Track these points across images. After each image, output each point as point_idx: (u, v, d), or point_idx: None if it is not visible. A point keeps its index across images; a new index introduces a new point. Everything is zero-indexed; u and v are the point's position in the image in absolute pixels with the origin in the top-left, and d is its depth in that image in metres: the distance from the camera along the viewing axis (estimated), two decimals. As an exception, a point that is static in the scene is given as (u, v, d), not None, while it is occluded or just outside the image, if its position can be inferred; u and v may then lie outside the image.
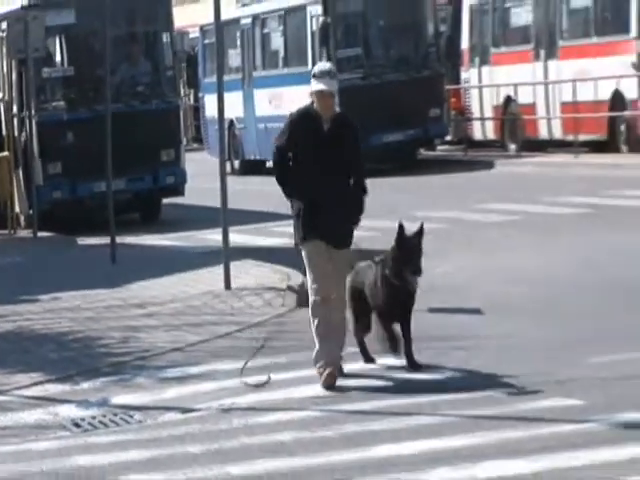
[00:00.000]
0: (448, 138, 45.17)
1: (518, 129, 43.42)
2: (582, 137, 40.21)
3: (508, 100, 43.84)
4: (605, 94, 39.43)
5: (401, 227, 13.59)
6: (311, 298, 13.69)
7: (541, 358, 14.01)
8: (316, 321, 13.53)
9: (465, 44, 45.46)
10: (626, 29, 38.66)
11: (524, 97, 42.82)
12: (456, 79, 45.08)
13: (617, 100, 39.05)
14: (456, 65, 45.35)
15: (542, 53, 42.43)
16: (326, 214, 13.23)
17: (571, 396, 12.37)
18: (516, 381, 12.97)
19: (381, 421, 11.98)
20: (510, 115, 43.54)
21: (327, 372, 13.21)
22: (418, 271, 13.53)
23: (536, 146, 41.96)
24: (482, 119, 45.29)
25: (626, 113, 38.86)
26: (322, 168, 13.27)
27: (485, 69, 44.92)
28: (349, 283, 14.01)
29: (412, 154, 41.60)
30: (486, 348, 14.95)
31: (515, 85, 43.06)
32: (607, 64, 38.87)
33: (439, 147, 44.55)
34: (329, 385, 13.24)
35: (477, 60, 45.23)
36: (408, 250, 13.56)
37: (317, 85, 13.12)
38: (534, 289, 18.44)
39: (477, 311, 17.37)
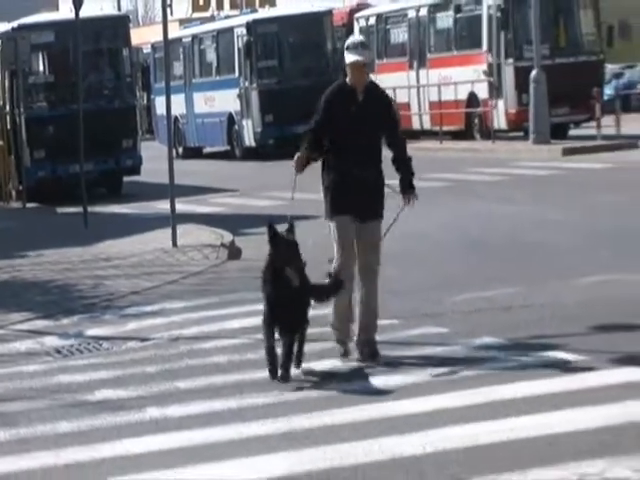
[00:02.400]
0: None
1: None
2: (445, 128, 40.42)
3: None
4: (463, 95, 39.89)
5: (271, 226, 10.70)
6: (340, 274, 10.97)
7: (415, 296, 14.04)
8: (340, 299, 10.99)
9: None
10: (479, 45, 38.92)
11: (401, 97, 42.83)
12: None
13: (472, 99, 39.51)
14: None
15: (415, 63, 42.63)
16: (359, 188, 10.97)
17: (439, 325, 12.42)
18: (395, 314, 12.97)
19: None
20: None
21: (342, 351, 11.03)
22: (300, 267, 10.50)
23: (411, 135, 42.01)
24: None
25: (479, 109, 39.30)
26: (358, 140, 10.95)
27: (371, 76, 44.73)
28: None
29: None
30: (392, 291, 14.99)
31: (394, 88, 42.97)
32: (464, 72, 39.28)
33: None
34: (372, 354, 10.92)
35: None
36: (284, 248, 10.57)
37: (351, 56, 11.05)
38: (412, 244, 18.42)
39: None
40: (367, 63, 11.22)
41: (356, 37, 11.59)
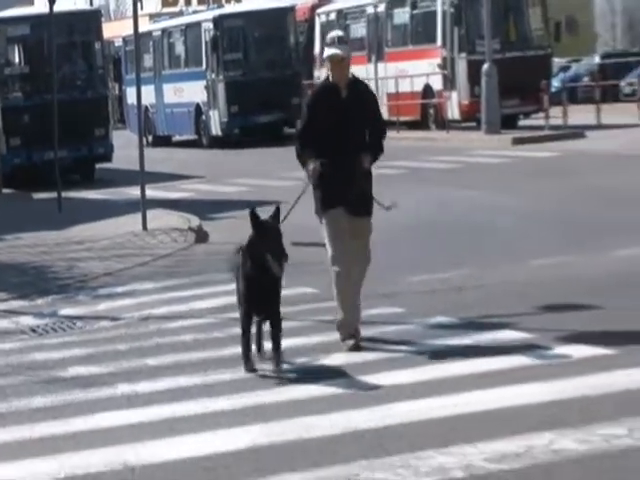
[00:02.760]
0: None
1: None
2: (402, 118, 40.41)
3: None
4: (418, 87, 39.99)
5: (253, 212, 9.68)
6: (333, 270, 10.60)
7: (373, 278, 14.01)
8: (339, 293, 10.48)
9: (317, 50, 45.51)
10: (434, 40, 39.03)
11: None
12: (311, 76, 45.03)
13: (427, 91, 39.59)
14: (310, 65, 45.27)
15: (373, 57, 42.65)
16: (348, 182, 10.33)
17: (395, 305, 12.42)
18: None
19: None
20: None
21: (353, 343, 10.32)
22: (283, 256, 9.55)
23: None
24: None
25: (434, 100, 39.32)
26: (344, 136, 10.29)
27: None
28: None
29: (279, 130, 41.61)
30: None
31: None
32: (420, 65, 39.45)
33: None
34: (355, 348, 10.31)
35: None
36: (267, 234, 9.55)
37: (329, 50, 10.33)
38: (374, 228, 18.44)
39: (324, 245, 17.34)
40: (346, 57, 10.46)
41: (335, 32, 11.03)
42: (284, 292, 13.83)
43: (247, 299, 9.78)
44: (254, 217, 9.64)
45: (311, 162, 10.40)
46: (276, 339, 9.80)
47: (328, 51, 10.33)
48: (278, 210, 9.85)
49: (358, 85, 10.75)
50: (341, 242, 10.46)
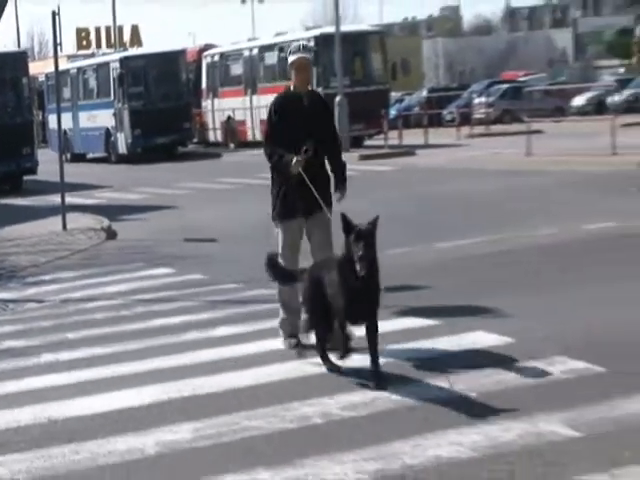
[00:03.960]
0: (195, 140, 45.15)
1: (235, 135, 43.56)
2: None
3: (229, 118, 43.95)
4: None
5: (344, 217, 8.01)
6: None
7: (249, 267, 13.99)
8: (281, 293, 9.24)
9: (204, 86, 45.57)
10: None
11: (239, 116, 43.07)
12: (199, 106, 45.09)
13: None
14: (198, 97, 45.30)
15: (249, 91, 42.53)
16: (308, 189, 8.87)
17: (269, 289, 12.39)
18: (237, 279, 12.96)
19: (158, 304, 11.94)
20: (230, 127, 43.81)
21: (295, 342, 9.03)
22: (364, 257, 7.70)
23: (246, 144, 42.12)
24: (214, 129, 45.33)
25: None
26: (307, 142, 8.85)
27: (216, 100, 44.96)
28: (306, 283, 8.50)
29: (174, 149, 41.71)
30: (218, 261, 14.96)
31: (233, 110, 43.28)
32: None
33: (190, 146, 44.38)
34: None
35: (211, 95, 45.30)
36: (356, 239, 7.79)
37: (295, 56, 9.00)
38: (247, 228, 18.42)
39: (213, 240, 17.31)
40: (309, 63, 9.17)
41: (299, 42, 9.51)
42: (179, 277, 13.87)
43: (346, 309, 7.88)
44: (345, 222, 7.93)
45: (290, 155, 8.84)
46: (374, 343, 7.92)
47: (294, 56, 9.05)
48: (376, 220, 8.05)
49: (318, 96, 9.67)
50: (291, 251, 9.15)
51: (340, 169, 9.33)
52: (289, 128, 8.88)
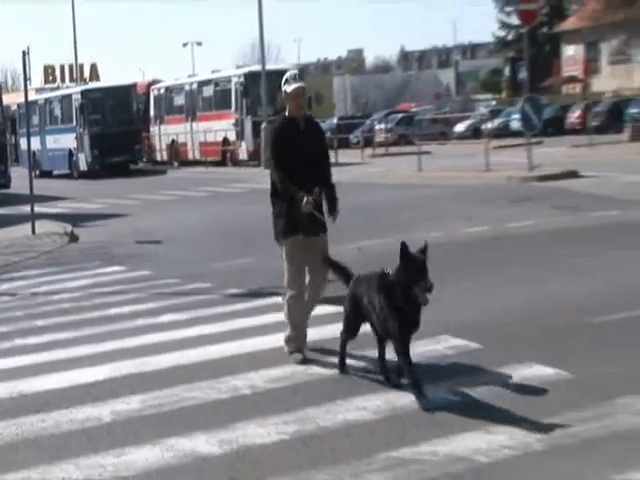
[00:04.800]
0: (144, 159, 44.73)
1: (178, 155, 43.41)
2: (209, 159, 40.22)
3: (173, 141, 43.82)
4: (220, 138, 39.89)
5: (404, 245, 6.68)
6: (288, 292, 8.08)
7: (189, 264, 13.92)
8: (291, 313, 8.03)
9: (152, 114, 45.32)
10: (229, 107, 39.10)
11: (181, 140, 43.02)
12: (148, 130, 44.83)
13: (226, 141, 39.51)
14: (147, 123, 45.07)
15: (190, 118, 42.43)
16: (312, 213, 7.80)
17: (204, 282, 12.31)
18: (177, 275, 12.87)
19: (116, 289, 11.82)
20: (174, 148, 43.67)
21: (301, 357, 7.92)
22: (430, 287, 6.66)
23: (187, 163, 41.95)
24: (160, 150, 45.12)
25: (230, 147, 39.23)
26: (304, 164, 7.84)
27: (162, 126, 44.79)
28: (350, 290, 7.41)
29: (127, 167, 41.46)
30: (162, 260, 14.85)
31: (176, 134, 43.19)
32: (220, 124, 39.47)
33: (140, 164, 44.01)
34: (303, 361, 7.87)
35: (158, 122, 45.09)
36: (416, 268, 6.65)
37: (292, 85, 7.92)
38: (182, 233, 18.34)
39: (159, 242, 17.19)
40: (304, 91, 8.06)
41: (292, 71, 8.56)
42: (130, 273, 13.74)
43: (402, 332, 6.72)
44: (404, 249, 6.67)
45: (302, 194, 7.75)
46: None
47: (291, 85, 7.94)
48: (426, 246, 6.81)
49: (312, 120, 8.42)
50: (297, 267, 7.95)
51: (330, 190, 8.03)
52: (289, 151, 7.87)
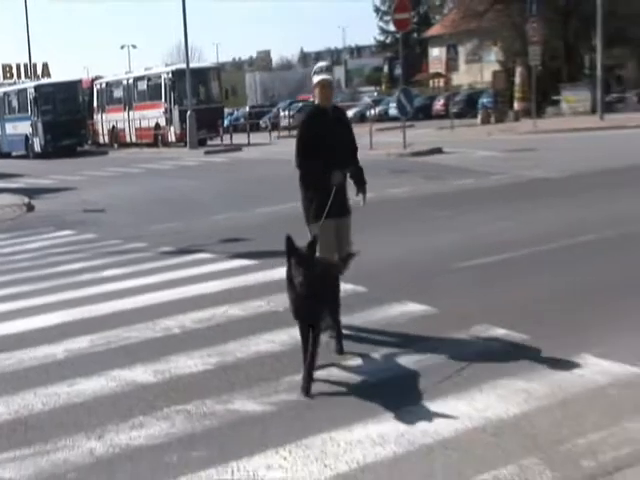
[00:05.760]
0: (89, 142, 43.61)
1: (117, 139, 42.36)
2: (144, 141, 39.46)
3: (113, 127, 42.69)
4: (152, 124, 38.90)
5: (289, 239, 5.67)
6: None
7: (130, 228, 13.67)
8: None
9: (95, 104, 44.13)
10: (160, 98, 38.24)
11: (120, 126, 42.00)
12: (92, 118, 43.80)
13: (157, 126, 38.63)
14: (91, 112, 43.96)
15: (127, 108, 41.41)
16: (337, 193, 6.57)
17: (141, 242, 12.10)
18: (119, 237, 12.64)
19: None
20: (114, 133, 42.67)
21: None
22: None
23: (126, 145, 41.14)
24: (103, 134, 43.97)
25: (160, 131, 38.39)
26: (332, 150, 6.59)
27: (104, 115, 43.46)
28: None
29: (75, 149, 40.45)
30: (105, 225, 14.54)
31: (116, 121, 42.20)
32: (153, 112, 38.58)
33: (86, 146, 42.87)
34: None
35: (100, 111, 43.79)
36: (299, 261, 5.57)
37: (319, 76, 6.71)
38: (121, 202, 18.01)
39: (103, 210, 16.85)
40: (332, 82, 6.82)
41: (321, 62, 7.37)
42: (78, 236, 13.37)
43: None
44: (290, 244, 5.67)
45: (332, 170, 6.55)
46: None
47: (318, 77, 6.75)
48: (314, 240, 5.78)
49: (339, 110, 7.26)
50: (329, 250, 6.60)
51: (359, 173, 6.96)
52: (319, 139, 6.62)
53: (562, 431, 4.56)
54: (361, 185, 6.87)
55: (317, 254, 5.96)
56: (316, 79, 6.75)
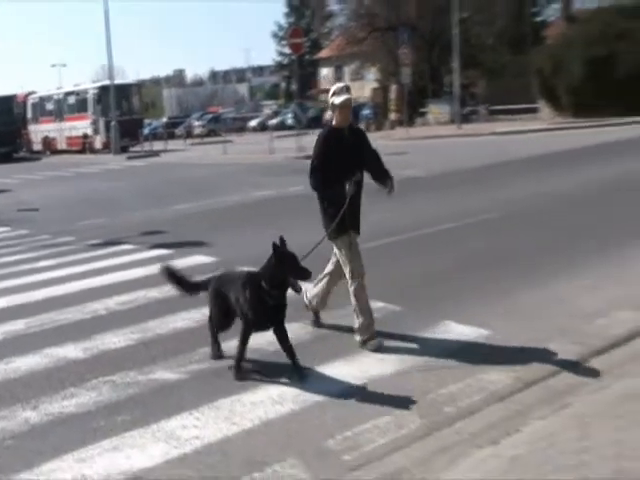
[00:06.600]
0: (24, 149, 41.79)
1: (50, 146, 40.67)
2: (74, 148, 38.15)
3: (46, 137, 41.01)
4: (80, 133, 37.70)
5: (282, 241, 4.99)
6: (356, 281, 5.60)
7: (61, 223, 13.17)
8: (361, 301, 5.60)
9: (30, 116, 42.35)
10: (87, 110, 37.13)
11: (51, 135, 40.43)
12: (26, 129, 42.01)
13: (86, 135, 37.48)
14: (26, 124, 42.15)
15: (58, 119, 39.85)
16: (355, 210, 5.67)
17: (71, 236, 11.69)
18: (47, 232, 12.16)
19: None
20: (47, 141, 41.08)
21: (378, 343, 5.46)
22: (309, 274, 4.91)
23: (57, 152, 39.65)
24: (37, 143, 42.08)
25: (88, 139, 37.25)
26: (352, 170, 5.51)
27: (38, 125, 41.72)
28: (213, 286, 5.27)
29: (11, 155, 38.72)
30: (39, 222, 13.93)
31: (49, 131, 40.63)
32: (82, 123, 37.54)
33: (21, 153, 41.03)
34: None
35: (34, 122, 41.99)
36: (290, 260, 4.91)
37: (341, 97, 5.53)
38: (57, 202, 17.33)
39: (36, 209, 16.16)
40: (351, 103, 5.61)
41: (341, 83, 5.74)
42: (14, 232, 12.83)
43: (257, 319, 4.96)
44: (279, 246, 4.94)
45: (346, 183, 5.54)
46: (287, 344, 5.02)
47: (340, 97, 5.57)
48: (282, 240, 5.01)
49: (355, 127, 5.85)
50: (358, 258, 5.68)
51: (387, 173, 5.73)
52: (335, 159, 5.49)
53: (429, 384, 4.66)
54: (388, 179, 5.66)
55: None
56: (339, 100, 5.55)
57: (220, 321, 5.24)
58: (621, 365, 4.68)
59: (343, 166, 5.50)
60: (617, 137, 20.64)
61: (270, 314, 4.94)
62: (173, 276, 5.48)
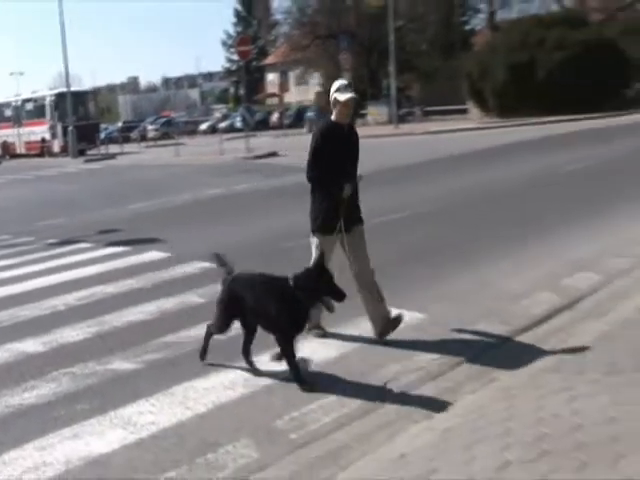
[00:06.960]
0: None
1: (9, 150, 39.39)
2: (32, 152, 36.92)
3: (5, 142, 39.64)
4: (39, 137, 36.71)
5: (322, 255, 4.66)
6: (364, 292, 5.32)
7: (19, 224, 12.78)
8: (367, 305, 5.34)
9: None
10: (45, 116, 36.21)
11: (10, 140, 39.32)
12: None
13: (44, 139, 36.51)
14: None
15: (17, 125, 38.45)
16: (348, 204, 5.19)
17: (32, 236, 11.38)
18: (7, 232, 11.81)
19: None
20: (6, 146, 39.76)
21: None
22: (343, 297, 4.50)
23: (16, 156, 38.53)
24: None
25: (46, 144, 36.28)
26: (341, 165, 5.21)
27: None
28: (227, 286, 4.75)
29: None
30: (9, 222, 13.57)
31: (7, 136, 39.55)
32: (40, 128, 36.35)
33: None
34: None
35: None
36: (328, 279, 4.51)
37: (345, 94, 5.14)
38: (21, 204, 16.87)
39: (9, 210, 15.71)
40: (354, 101, 5.16)
41: (343, 80, 5.31)
42: None
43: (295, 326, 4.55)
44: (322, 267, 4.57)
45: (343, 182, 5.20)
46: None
47: (344, 95, 5.16)
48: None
49: (351, 126, 5.41)
50: (366, 257, 5.36)
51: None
52: (333, 153, 5.18)
53: (369, 366, 4.70)
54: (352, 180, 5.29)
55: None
56: (344, 97, 5.17)
57: (221, 323, 4.81)
58: (543, 340, 4.81)
59: (338, 160, 5.22)
60: (533, 135, 21.16)
61: (305, 317, 4.57)
62: (219, 259, 4.95)
